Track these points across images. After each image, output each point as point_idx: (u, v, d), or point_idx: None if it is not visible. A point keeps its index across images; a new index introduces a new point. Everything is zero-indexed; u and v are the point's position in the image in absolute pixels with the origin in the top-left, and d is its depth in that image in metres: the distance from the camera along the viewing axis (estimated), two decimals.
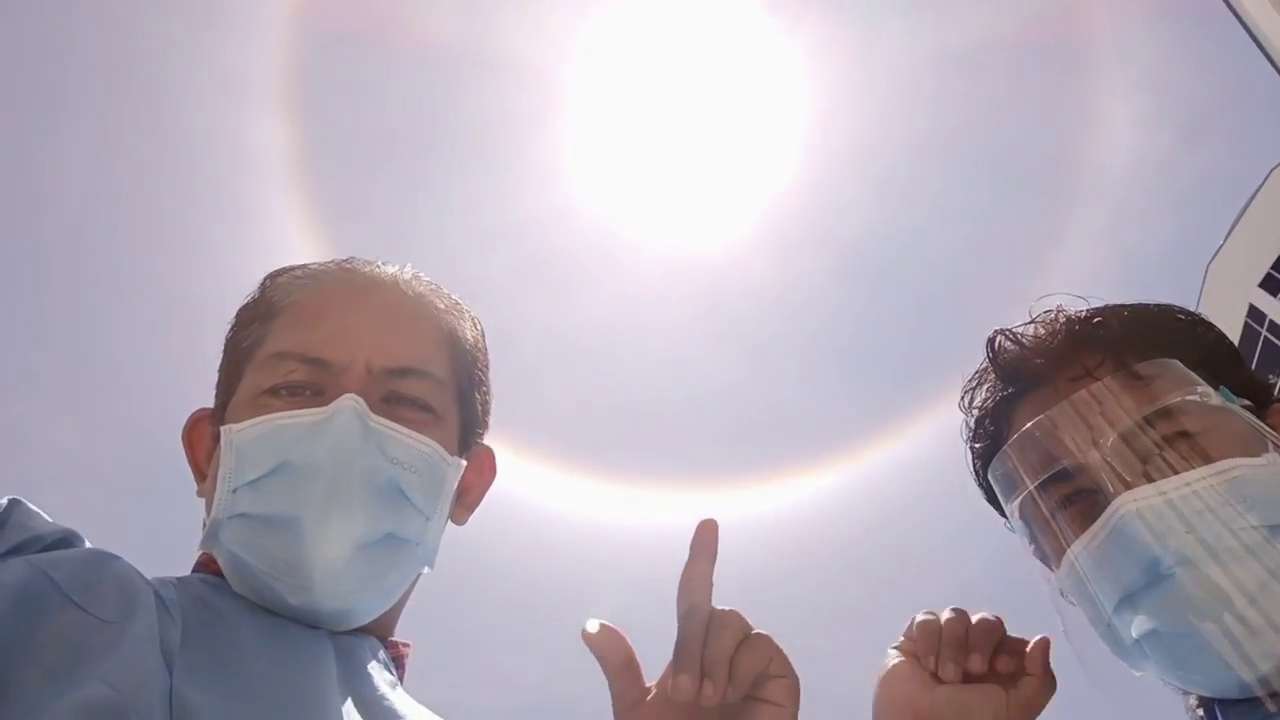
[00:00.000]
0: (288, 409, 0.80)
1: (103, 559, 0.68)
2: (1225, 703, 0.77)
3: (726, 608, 0.72)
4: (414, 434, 0.81)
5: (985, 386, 0.95)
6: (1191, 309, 0.94)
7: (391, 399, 0.83)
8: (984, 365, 0.95)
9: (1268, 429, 0.81)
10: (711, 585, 0.73)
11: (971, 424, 0.96)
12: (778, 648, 0.72)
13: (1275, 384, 0.94)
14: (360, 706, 0.72)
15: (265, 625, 0.74)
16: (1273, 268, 13.52)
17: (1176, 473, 0.75)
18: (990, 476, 0.90)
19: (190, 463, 0.90)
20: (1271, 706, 0.71)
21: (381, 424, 0.79)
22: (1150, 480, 0.76)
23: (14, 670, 0.56)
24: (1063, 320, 0.91)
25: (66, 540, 0.70)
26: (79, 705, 0.54)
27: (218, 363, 0.92)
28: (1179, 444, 0.78)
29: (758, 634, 0.71)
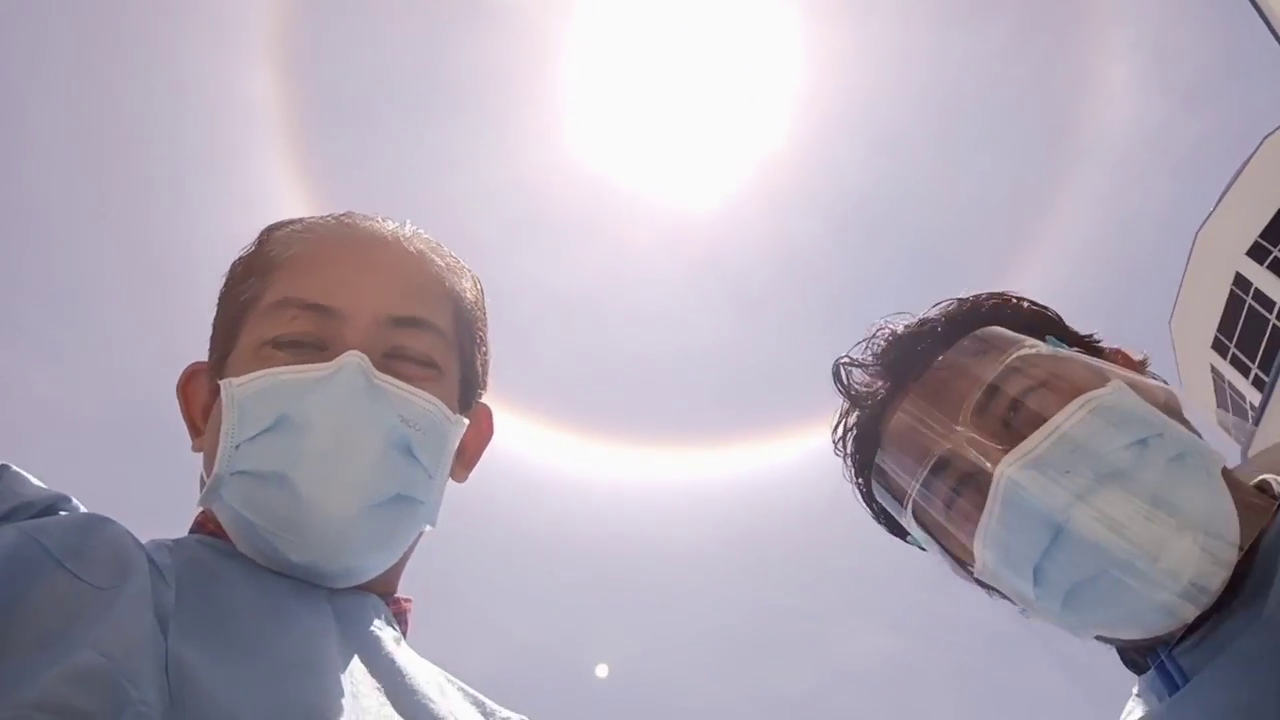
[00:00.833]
0: (291, 363, 0.78)
1: (95, 523, 0.67)
2: (1170, 647, 0.76)
3: None
4: (419, 391, 0.80)
5: (846, 419, 0.96)
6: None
7: (395, 354, 0.82)
8: (842, 403, 0.96)
9: (1104, 361, 0.84)
10: None
11: (845, 461, 0.96)
12: None
13: (1097, 340, 0.94)
14: (361, 664, 0.71)
15: (264, 585, 0.74)
16: (1260, 236, 13.56)
17: (1035, 427, 0.76)
18: (876, 493, 0.91)
19: (185, 417, 0.89)
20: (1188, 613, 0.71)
21: (387, 381, 0.78)
22: (1017, 440, 0.76)
23: (4, 638, 0.56)
24: (889, 333, 0.94)
25: (58, 504, 0.69)
26: (70, 672, 0.54)
27: (211, 317, 0.90)
28: (1031, 398, 0.79)
29: None
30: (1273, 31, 13.06)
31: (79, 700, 0.52)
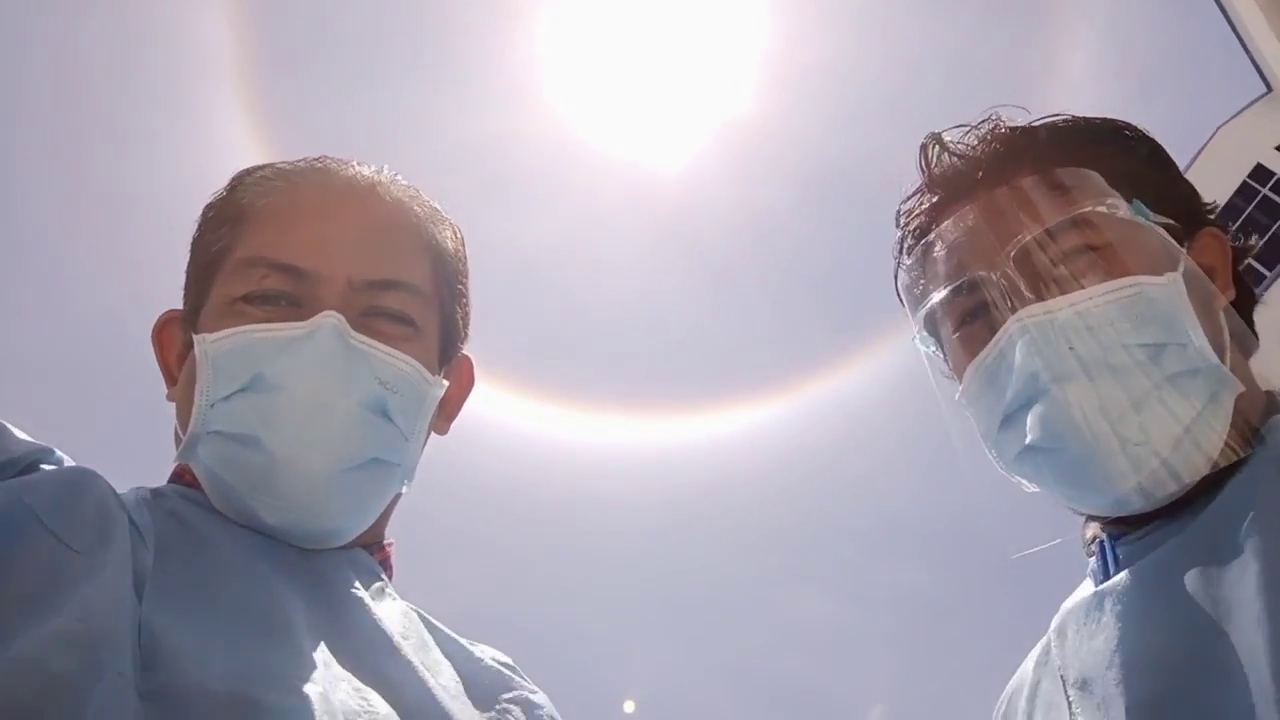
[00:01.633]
0: (264, 319, 0.77)
1: (80, 481, 0.67)
2: (1116, 536, 0.78)
3: None
4: (396, 352, 0.79)
5: (918, 197, 0.92)
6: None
7: (372, 313, 0.80)
8: (918, 177, 0.92)
9: (1177, 246, 0.78)
10: None
11: (900, 236, 0.93)
12: None
13: (1216, 210, 0.89)
14: (337, 628, 0.71)
15: (240, 544, 0.73)
16: None
17: (1073, 288, 0.74)
18: (899, 287, 0.90)
19: (160, 364, 0.88)
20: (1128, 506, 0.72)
21: (364, 342, 0.77)
22: (1045, 296, 0.75)
23: None
24: (996, 131, 0.87)
25: (42, 458, 0.68)
26: (47, 638, 0.53)
27: (168, 261, 0.88)
28: (1081, 258, 0.76)
29: None
30: (1229, 21, 13.29)
31: (57, 663, 0.53)
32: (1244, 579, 0.61)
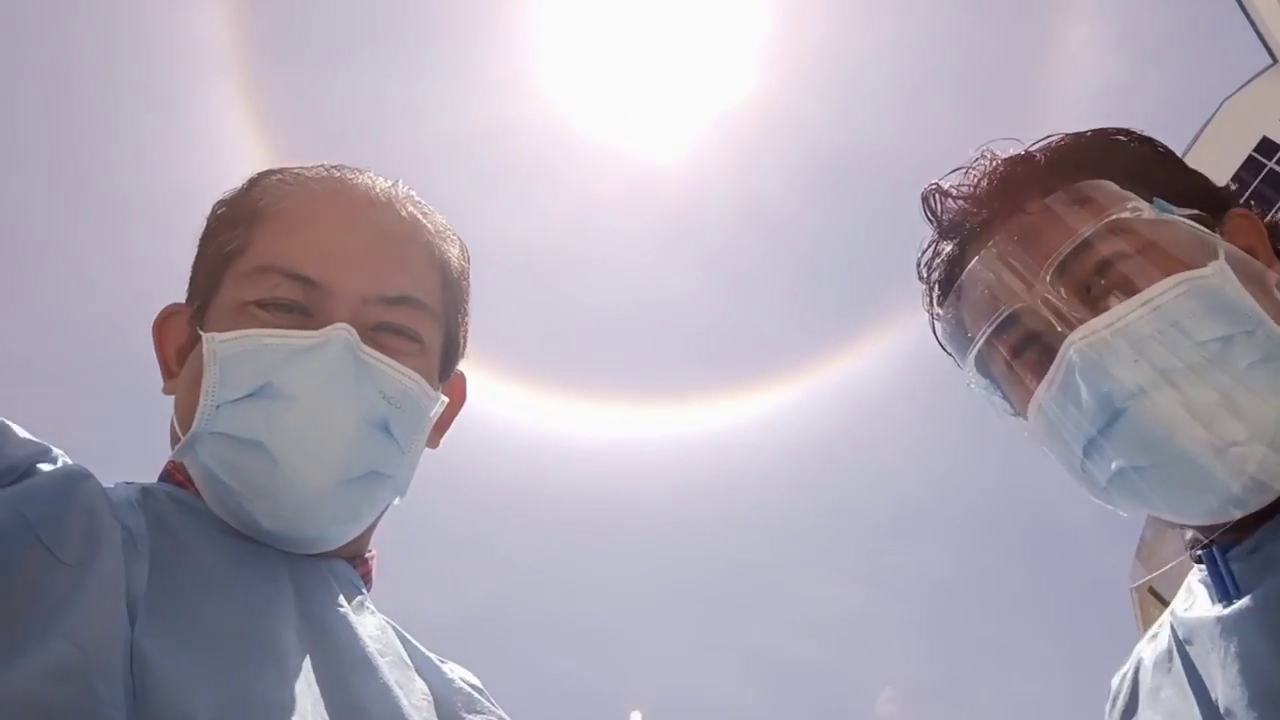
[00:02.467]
0: (277, 325, 0.77)
1: (73, 485, 0.66)
2: (1225, 548, 0.74)
3: None
4: (401, 368, 0.79)
5: (934, 247, 0.91)
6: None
7: (381, 328, 0.81)
8: (931, 228, 0.91)
9: (1211, 233, 0.76)
10: None
11: (927, 291, 0.92)
12: None
13: (1237, 193, 0.88)
14: (320, 645, 0.71)
15: (229, 551, 0.73)
16: None
17: (1119, 300, 0.72)
18: (940, 339, 0.88)
19: (159, 358, 0.87)
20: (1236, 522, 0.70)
21: (372, 356, 0.77)
22: (1094, 312, 0.73)
23: None
24: (991, 164, 0.87)
25: (41, 459, 0.67)
26: (44, 667, 0.53)
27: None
28: (1119, 267, 0.74)
29: None
30: None
31: (54, 698, 0.52)
32: None
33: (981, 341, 0.81)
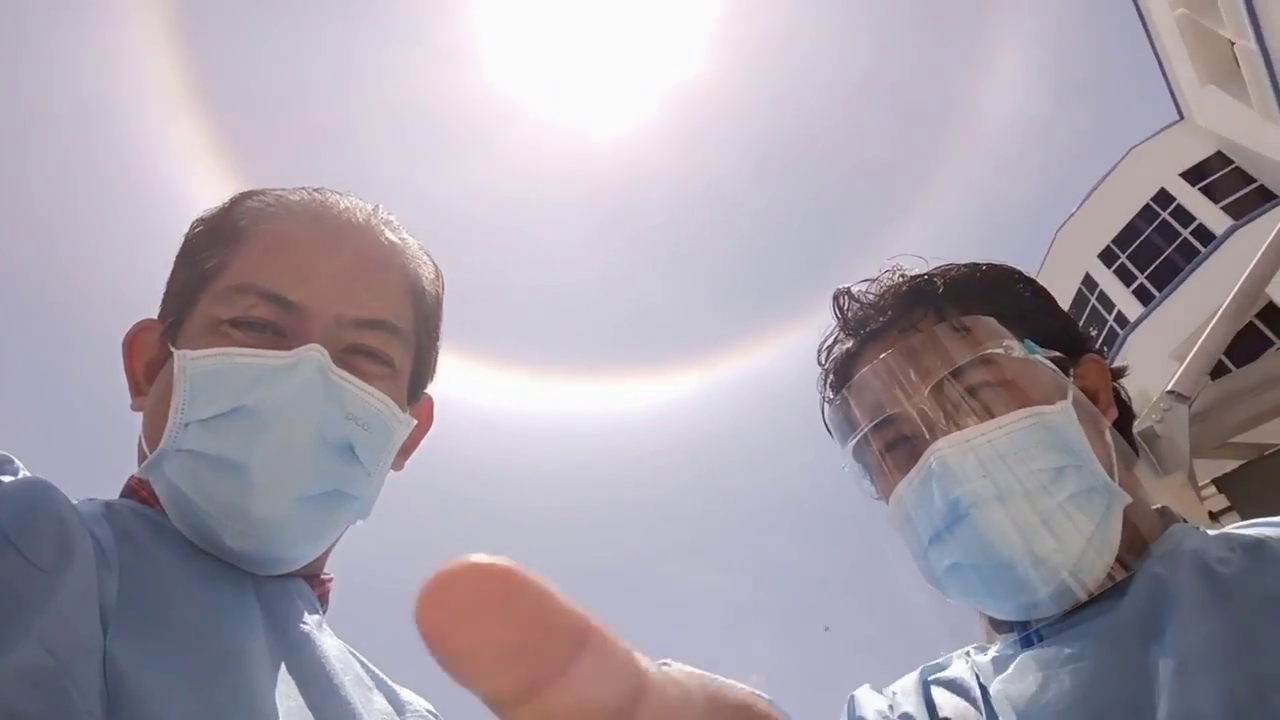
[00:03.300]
0: (249, 344, 0.77)
1: (40, 493, 0.65)
2: (1023, 625, 0.85)
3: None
4: (372, 390, 0.80)
5: (834, 341, 1.03)
6: (1026, 269, 1.03)
7: (353, 350, 0.82)
8: (835, 323, 1.03)
9: (1067, 379, 0.89)
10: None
11: (823, 376, 1.03)
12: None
13: (1094, 338, 1.01)
14: (286, 659, 0.72)
15: (193, 568, 0.73)
16: (1113, 242, 14.42)
17: (981, 420, 0.84)
18: (828, 422, 0.99)
19: (127, 373, 0.86)
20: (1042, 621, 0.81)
21: (342, 378, 0.78)
22: (957, 428, 0.84)
23: None
24: (897, 279, 0.99)
25: (2, 468, 0.66)
26: (17, 671, 0.52)
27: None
28: (983, 394, 0.86)
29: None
30: (1152, 46, 13.73)
31: (25, 704, 0.51)
32: (1175, 642, 0.69)
33: (863, 433, 0.92)
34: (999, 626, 0.92)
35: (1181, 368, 3.14)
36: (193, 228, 0.89)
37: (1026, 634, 0.85)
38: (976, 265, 1.01)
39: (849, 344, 0.99)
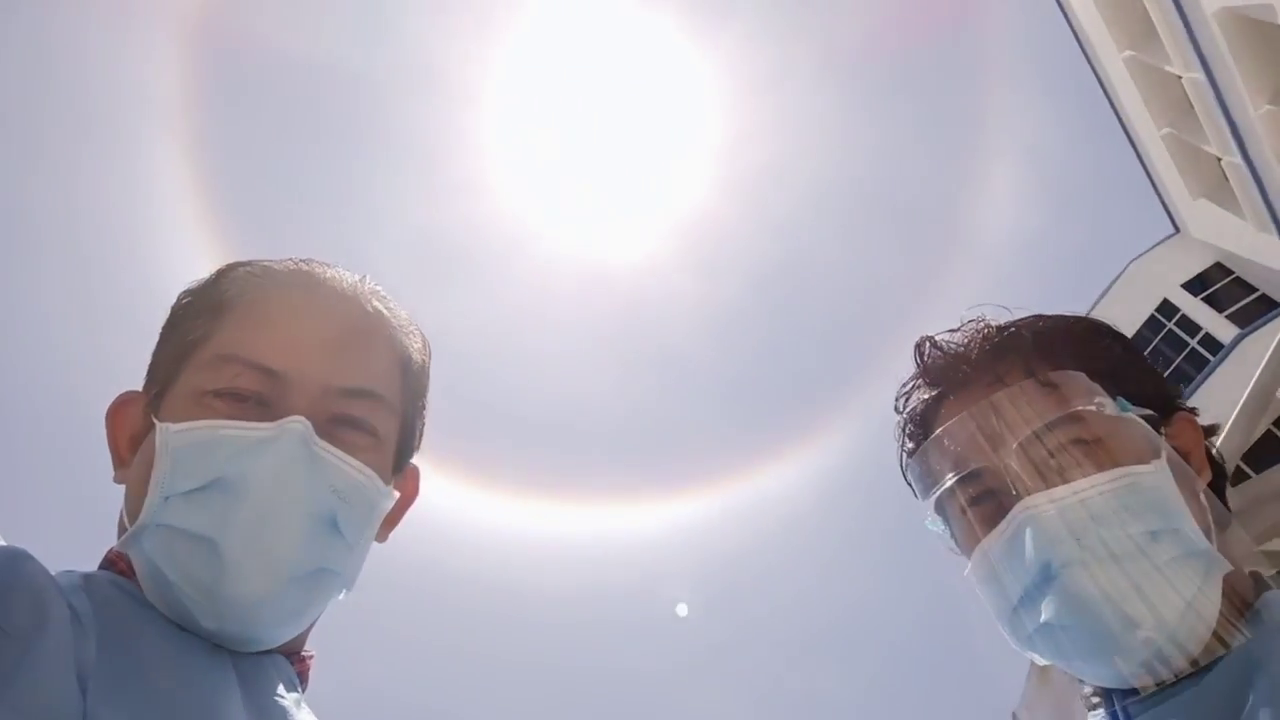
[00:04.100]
0: (232, 416, 0.76)
1: (14, 561, 0.64)
2: (1123, 695, 0.83)
3: None
4: (355, 463, 0.79)
5: (914, 389, 1.00)
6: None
7: (338, 420, 0.80)
8: (913, 370, 1.00)
9: (1160, 438, 0.86)
10: None
11: (901, 424, 1.01)
12: None
13: (1183, 395, 0.98)
14: None
15: (172, 642, 0.71)
16: None
17: (1071, 480, 0.81)
18: (909, 473, 0.96)
19: (110, 445, 0.85)
20: (1147, 686, 0.78)
21: (326, 450, 0.77)
22: (1047, 486, 0.81)
23: None
24: (983, 330, 0.96)
25: None
26: None
27: (153, 346, 0.87)
28: (1075, 451, 0.83)
29: None
30: (1143, 165, 14.17)
31: None
32: None
33: (947, 484, 0.90)
34: (1087, 700, 0.90)
35: None
36: (179, 299, 0.88)
37: (1113, 710, 0.83)
38: (1063, 318, 0.99)
39: (931, 394, 0.97)
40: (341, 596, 0.83)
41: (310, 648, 0.87)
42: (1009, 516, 0.82)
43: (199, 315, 0.84)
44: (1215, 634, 0.77)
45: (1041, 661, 0.86)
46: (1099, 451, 0.83)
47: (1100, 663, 0.80)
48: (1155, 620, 0.76)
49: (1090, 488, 0.80)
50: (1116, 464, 0.81)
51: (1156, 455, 0.83)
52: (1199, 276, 14.21)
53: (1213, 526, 0.82)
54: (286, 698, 0.76)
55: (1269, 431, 10.75)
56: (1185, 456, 0.87)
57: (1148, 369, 0.96)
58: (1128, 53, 12.33)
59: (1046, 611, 0.80)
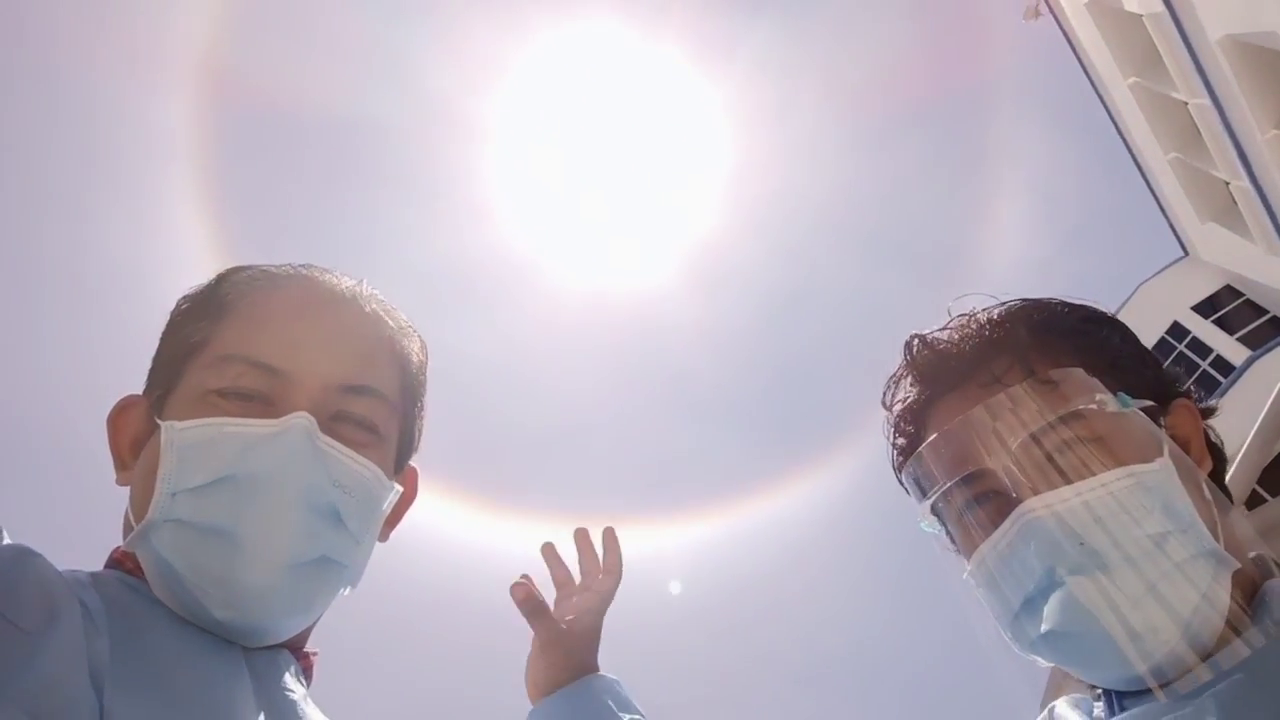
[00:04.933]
0: (237, 414, 0.78)
1: (23, 557, 0.65)
2: (1121, 693, 0.82)
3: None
4: (358, 457, 0.81)
5: (903, 386, 0.98)
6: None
7: (340, 417, 0.82)
8: (901, 366, 0.98)
9: (1161, 432, 0.84)
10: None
11: (891, 422, 0.99)
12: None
13: (1184, 379, 0.96)
14: (276, 718, 0.72)
15: (183, 638, 0.73)
16: None
17: (1073, 480, 0.79)
18: (905, 475, 0.94)
19: (112, 449, 0.86)
20: (1161, 697, 0.76)
21: (329, 445, 0.79)
22: (1048, 488, 0.80)
23: None
24: (974, 326, 0.94)
25: None
26: None
27: (155, 349, 0.88)
28: (1078, 450, 0.81)
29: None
30: (1150, 188, 14.24)
31: None
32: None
33: (944, 488, 0.88)
34: (1091, 690, 0.89)
35: None
36: (178, 305, 0.89)
37: (1109, 701, 0.83)
38: (1057, 307, 0.95)
39: (924, 392, 0.94)
40: (346, 592, 0.85)
41: (313, 645, 0.88)
42: (1009, 520, 0.80)
43: (200, 318, 0.85)
44: (1223, 632, 0.75)
45: (1044, 665, 0.85)
46: (1101, 451, 0.80)
47: (1107, 669, 0.79)
48: (1161, 627, 0.74)
49: (1092, 489, 0.78)
50: (1120, 463, 0.79)
51: (1159, 452, 0.81)
52: (1209, 299, 14.23)
53: (1218, 521, 0.79)
54: (296, 691, 0.78)
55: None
56: (1186, 445, 0.86)
57: (1148, 358, 0.94)
58: (1133, 79, 12.44)
59: (1050, 618, 0.78)
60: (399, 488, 0.88)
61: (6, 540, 0.67)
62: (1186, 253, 14.74)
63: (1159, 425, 0.85)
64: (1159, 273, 15.08)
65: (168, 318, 0.89)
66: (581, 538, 1.26)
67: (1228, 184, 12.33)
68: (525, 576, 1.18)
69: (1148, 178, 14.20)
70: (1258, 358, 12.56)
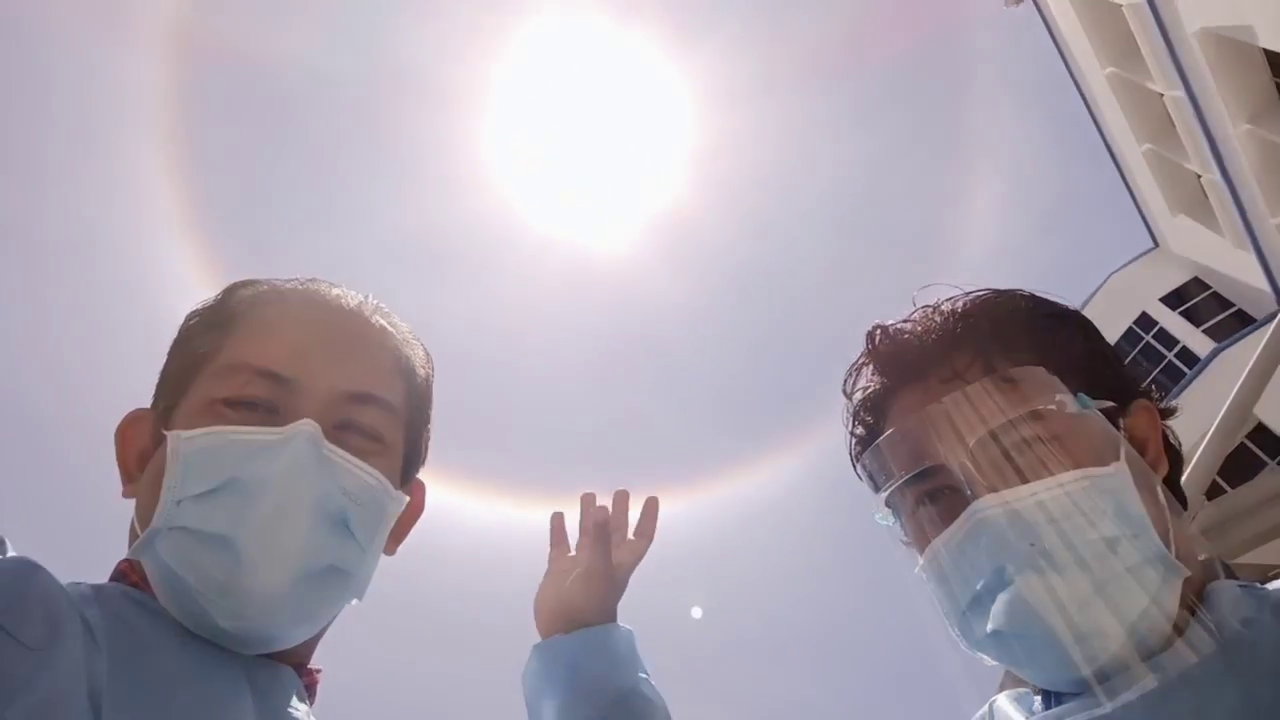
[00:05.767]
0: (241, 423, 0.78)
1: (27, 571, 0.64)
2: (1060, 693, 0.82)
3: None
4: (364, 465, 0.81)
5: (864, 375, 0.97)
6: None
7: (346, 425, 0.83)
8: (863, 355, 0.97)
9: (1119, 434, 0.84)
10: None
11: (850, 410, 0.99)
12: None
13: (1144, 379, 0.95)
14: None
15: (186, 651, 0.72)
16: None
17: (1028, 480, 0.79)
18: (861, 467, 0.94)
19: (119, 462, 0.86)
20: (1105, 700, 0.76)
21: (335, 453, 0.79)
22: (1003, 486, 0.80)
23: None
24: (938, 318, 0.93)
25: None
26: None
27: (163, 363, 0.89)
28: (1034, 450, 0.81)
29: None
30: (1123, 178, 14.36)
31: None
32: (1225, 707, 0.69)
33: (900, 481, 0.88)
34: (1032, 685, 0.90)
35: None
36: (188, 319, 0.90)
37: (1048, 698, 0.84)
38: (1021, 302, 0.95)
39: (884, 383, 0.94)
40: (353, 604, 0.84)
41: (318, 662, 0.88)
42: (962, 517, 0.80)
43: (208, 331, 0.86)
44: (1169, 636, 0.76)
45: (990, 663, 0.85)
46: (1057, 451, 0.80)
47: (1051, 671, 0.79)
48: (1108, 631, 0.75)
49: (1046, 489, 0.78)
50: (1076, 465, 0.79)
51: (1117, 455, 0.81)
52: (1177, 291, 14.43)
53: (1170, 527, 0.80)
54: (298, 709, 0.77)
55: (1243, 445, 10.92)
56: (1143, 446, 0.86)
57: (1109, 357, 0.94)
58: (1110, 69, 12.51)
59: (997, 618, 0.79)
60: (405, 497, 0.88)
61: (11, 553, 0.67)
62: (1157, 244, 14.91)
63: (1118, 426, 0.85)
64: (1129, 263, 15.25)
65: (177, 332, 0.90)
66: (620, 499, 1.30)
67: (1199, 177, 12.46)
68: (560, 514, 1.27)
69: (1121, 168, 14.32)
70: (1222, 349, 12.76)
